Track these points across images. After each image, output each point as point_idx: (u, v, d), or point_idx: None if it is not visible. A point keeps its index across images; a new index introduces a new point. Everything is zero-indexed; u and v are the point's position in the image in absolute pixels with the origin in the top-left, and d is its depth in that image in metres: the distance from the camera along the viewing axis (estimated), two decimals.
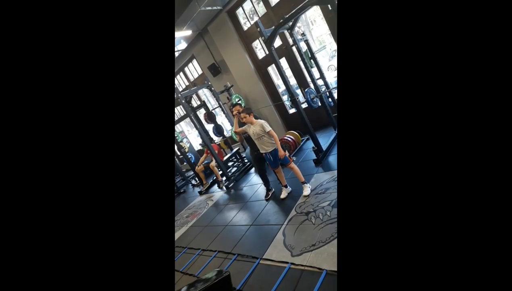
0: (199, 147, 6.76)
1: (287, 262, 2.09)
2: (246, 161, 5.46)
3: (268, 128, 2.97)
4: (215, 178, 5.22)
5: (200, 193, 5.22)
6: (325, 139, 4.28)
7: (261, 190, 3.89)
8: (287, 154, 3.03)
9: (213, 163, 4.99)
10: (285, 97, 5.78)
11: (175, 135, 5.55)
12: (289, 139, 4.64)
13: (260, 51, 5.67)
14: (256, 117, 3.05)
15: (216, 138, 6.17)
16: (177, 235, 3.84)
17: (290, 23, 3.69)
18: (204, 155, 5.28)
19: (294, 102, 3.71)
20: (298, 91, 4.93)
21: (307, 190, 2.98)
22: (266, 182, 3.46)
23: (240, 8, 5.26)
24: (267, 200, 3.41)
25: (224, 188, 4.79)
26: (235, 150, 5.60)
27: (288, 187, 3.25)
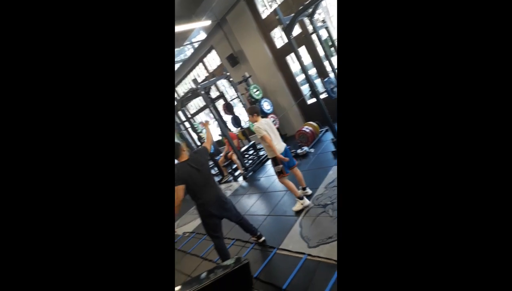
0: (218, 137, 6.87)
1: (303, 253, 2.10)
2: (262, 152, 5.47)
3: (260, 134, 2.53)
4: (235, 166, 5.30)
5: (219, 182, 5.35)
6: None
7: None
8: (278, 168, 2.65)
9: (234, 156, 5.06)
10: (303, 87, 5.66)
11: (195, 126, 5.67)
12: (307, 130, 4.57)
13: (279, 40, 5.55)
14: (264, 115, 2.80)
15: (234, 130, 6.23)
16: (196, 223, 3.99)
17: (310, 10, 3.55)
18: (226, 146, 5.34)
19: (313, 92, 3.62)
20: (318, 81, 4.80)
21: (298, 206, 2.70)
22: (223, 253, 2.28)
23: None
24: None
25: (242, 178, 4.86)
26: (252, 142, 5.62)
27: (307, 189, 2.93)
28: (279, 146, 2.67)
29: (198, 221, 4.04)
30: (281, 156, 2.58)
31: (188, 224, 4.18)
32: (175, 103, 5.23)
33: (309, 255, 2.06)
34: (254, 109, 2.71)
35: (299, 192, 2.74)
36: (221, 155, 5.48)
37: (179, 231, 4.11)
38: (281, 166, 2.63)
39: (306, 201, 2.70)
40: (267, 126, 2.61)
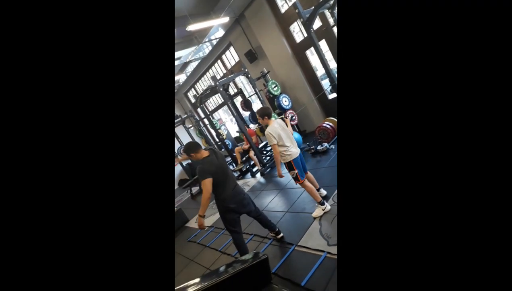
0: (236, 134, 6.94)
1: (323, 251, 2.06)
2: None
3: (271, 142, 2.36)
4: (252, 163, 5.32)
5: (237, 178, 5.40)
6: None
7: None
8: (293, 174, 2.47)
9: (252, 152, 5.08)
10: (324, 82, 5.52)
11: (214, 123, 5.75)
12: (328, 126, 4.46)
13: (298, 35, 5.44)
14: (283, 111, 2.69)
15: (252, 126, 6.24)
16: (215, 217, 4.06)
17: (332, 2, 3.44)
18: (245, 142, 5.38)
19: (334, 87, 3.52)
20: None
21: (318, 211, 2.53)
22: (242, 248, 2.28)
23: None
24: None
25: (259, 174, 4.87)
26: None
27: (322, 190, 2.83)
28: (294, 149, 2.47)
29: (217, 216, 4.11)
30: (281, 172, 2.46)
31: (207, 218, 4.27)
32: (194, 100, 5.33)
33: (328, 253, 2.02)
34: (265, 111, 2.45)
35: (320, 197, 2.57)
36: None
37: None
38: (295, 171, 2.46)
39: (328, 206, 2.54)
40: (280, 130, 2.40)
